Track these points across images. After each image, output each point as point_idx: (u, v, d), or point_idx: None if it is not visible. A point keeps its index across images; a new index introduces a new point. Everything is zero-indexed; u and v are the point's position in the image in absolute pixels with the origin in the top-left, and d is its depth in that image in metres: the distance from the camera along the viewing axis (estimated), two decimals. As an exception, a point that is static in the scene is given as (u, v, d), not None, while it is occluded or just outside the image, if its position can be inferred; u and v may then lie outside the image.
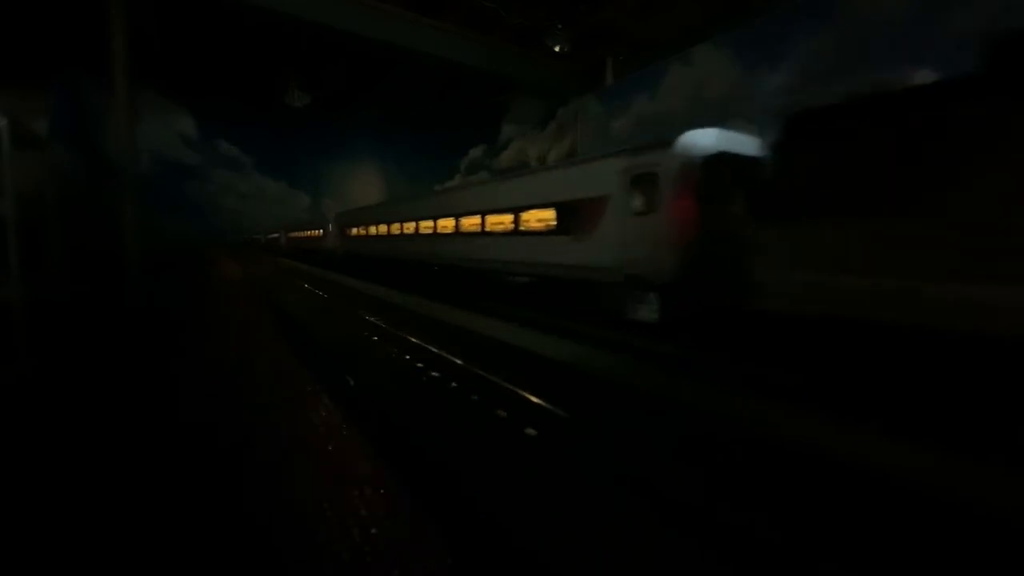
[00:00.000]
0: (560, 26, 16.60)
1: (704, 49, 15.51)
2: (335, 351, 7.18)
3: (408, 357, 7.22)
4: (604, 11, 16.01)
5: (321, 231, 26.53)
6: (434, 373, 6.43)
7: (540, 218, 9.79)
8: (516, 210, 10.37)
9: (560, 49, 17.13)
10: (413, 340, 7.83)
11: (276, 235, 38.57)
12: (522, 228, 10.22)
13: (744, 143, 7.33)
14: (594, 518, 2.83)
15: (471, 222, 12.22)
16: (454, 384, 5.97)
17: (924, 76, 9.07)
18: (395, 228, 16.78)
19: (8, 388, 4.47)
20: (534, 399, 4.99)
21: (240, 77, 27.39)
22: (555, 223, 9.30)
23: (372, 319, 9.77)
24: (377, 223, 18.56)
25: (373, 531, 2.41)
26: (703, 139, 7.22)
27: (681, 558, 2.51)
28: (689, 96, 16.04)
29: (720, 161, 7.02)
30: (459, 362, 6.49)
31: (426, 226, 14.66)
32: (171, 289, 12.58)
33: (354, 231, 21.64)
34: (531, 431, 4.52)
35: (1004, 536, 2.86)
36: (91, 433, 3.65)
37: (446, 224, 13.37)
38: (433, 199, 15.28)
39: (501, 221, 11.03)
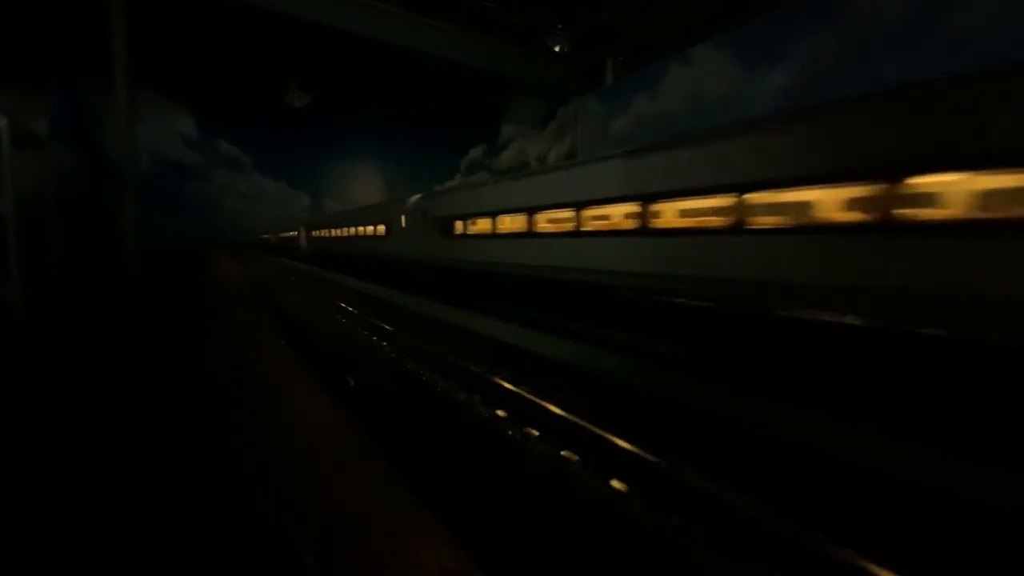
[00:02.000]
0: (560, 26, 16.60)
1: (704, 49, 15.51)
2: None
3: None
4: (604, 11, 16.01)
5: (384, 227, 16.45)
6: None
7: None
8: None
9: (560, 49, 17.12)
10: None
11: (294, 234, 29.90)
12: None
13: None
14: (594, 518, 2.83)
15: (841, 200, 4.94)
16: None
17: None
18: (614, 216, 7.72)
19: (8, 388, 4.47)
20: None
21: (240, 77, 27.34)
22: None
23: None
24: (557, 208, 8.71)
25: (373, 530, 2.41)
26: None
27: (681, 558, 2.51)
28: (689, 96, 16.04)
29: None
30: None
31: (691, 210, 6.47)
32: (171, 289, 12.58)
33: (468, 226, 11.66)
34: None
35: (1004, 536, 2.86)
36: (91, 434, 3.65)
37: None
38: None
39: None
